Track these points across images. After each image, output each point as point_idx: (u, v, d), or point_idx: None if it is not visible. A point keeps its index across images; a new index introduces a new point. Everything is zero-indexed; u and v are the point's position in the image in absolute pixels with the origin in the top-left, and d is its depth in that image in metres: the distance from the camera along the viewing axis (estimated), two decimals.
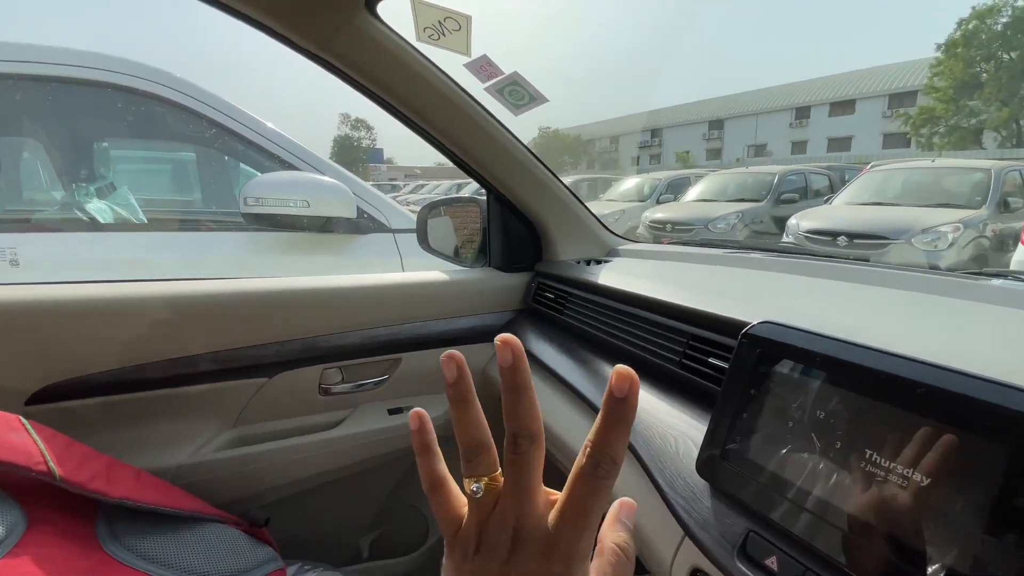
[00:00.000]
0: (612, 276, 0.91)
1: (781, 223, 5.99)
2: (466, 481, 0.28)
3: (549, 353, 0.92)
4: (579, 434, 0.80)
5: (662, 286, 0.80)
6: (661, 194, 8.74)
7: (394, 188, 19.15)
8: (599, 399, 0.74)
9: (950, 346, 0.49)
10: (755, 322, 0.52)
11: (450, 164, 1.04)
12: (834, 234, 4.93)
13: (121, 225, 1.62)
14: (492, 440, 0.29)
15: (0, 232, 1.43)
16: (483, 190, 1.11)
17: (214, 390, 0.84)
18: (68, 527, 0.58)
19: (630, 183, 9.67)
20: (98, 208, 1.77)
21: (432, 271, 1.07)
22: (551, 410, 0.87)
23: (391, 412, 0.99)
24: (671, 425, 0.61)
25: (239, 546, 0.68)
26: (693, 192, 7.75)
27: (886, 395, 0.39)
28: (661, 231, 6.70)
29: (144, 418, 0.81)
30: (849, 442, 0.40)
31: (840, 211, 5.46)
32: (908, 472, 0.36)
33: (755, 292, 0.77)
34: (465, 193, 13.45)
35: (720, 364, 0.61)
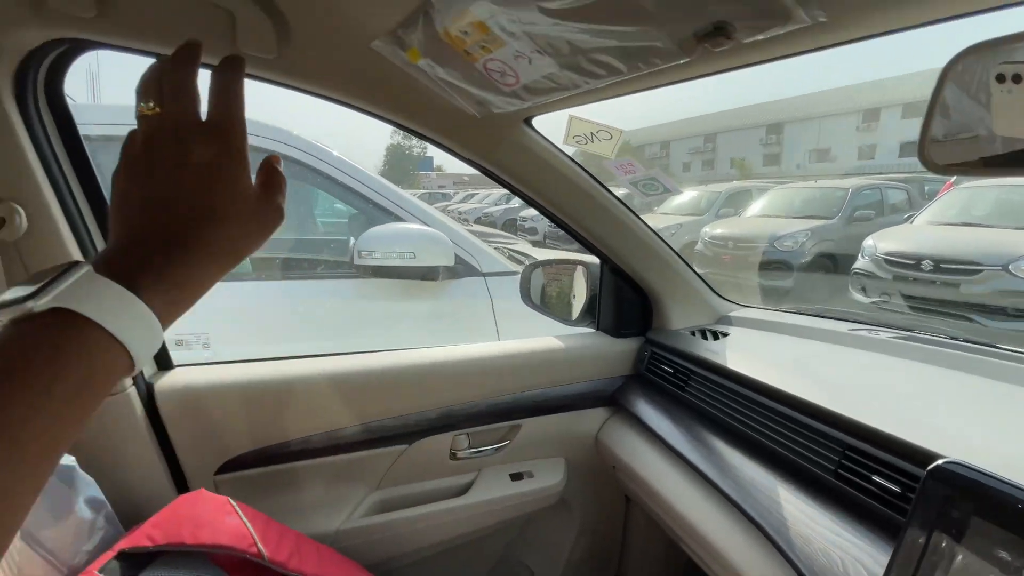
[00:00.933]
0: (741, 360, 0.92)
1: (855, 242, 5.69)
2: (140, 107, 0.31)
3: (667, 428, 0.95)
4: (693, 504, 0.82)
5: (802, 379, 0.81)
6: (720, 208, 8.49)
7: (444, 197, 19.55)
8: (725, 482, 0.76)
9: None
10: (939, 459, 0.52)
11: None
12: (917, 259, 4.60)
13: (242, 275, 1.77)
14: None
15: None
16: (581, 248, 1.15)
17: (363, 457, 0.92)
18: None
19: (686, 196, 9.46)
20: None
21: (547, 338, 1.11)
22: (664, 481, 0.89)
23: (513, 478, 1.04)
24: (834, 543, 0.62)
25: None
26: (756, 207, 7.49)
27: None
28: (722, 248, 6.52)
29: (307, 484, 0.90)
30: None
31: (923, 232, 5.09)
32: None
33: (909, 398, 0.76)
34: (515, 203, 13.59)
35: (887, 485, 0.61)
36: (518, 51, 0.49)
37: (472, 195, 18.25)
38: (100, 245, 0.73)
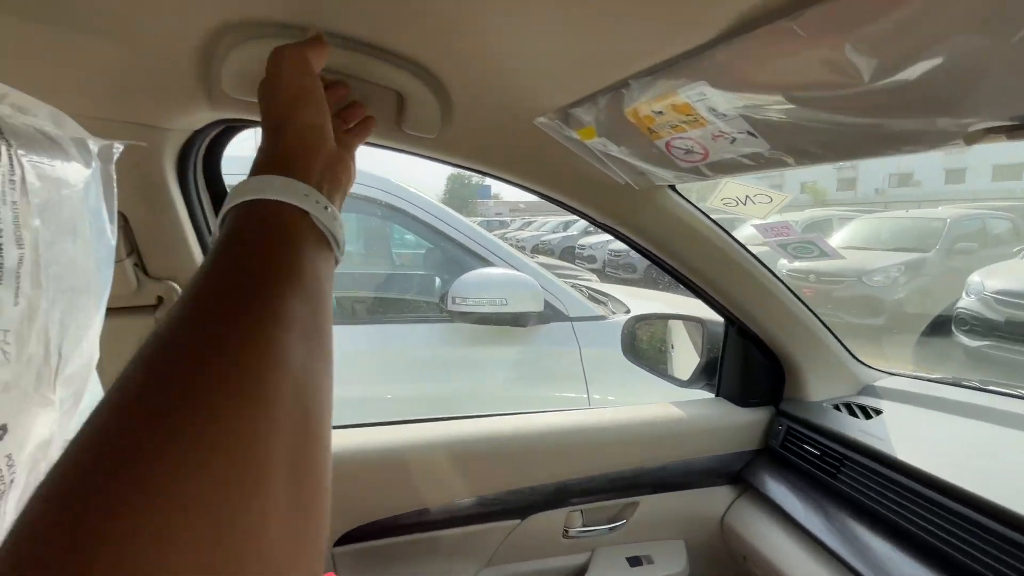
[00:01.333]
0: (905, 446, 0.80)
1: (957, 277, 5.16)
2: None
3: (814, 520, 0.83)
4: None
5: (987, 477, 0.68)
6: None
7: (502, 224, 19.81)
8: None
9: None
10: None
11: None
12: None
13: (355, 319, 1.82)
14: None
15: None
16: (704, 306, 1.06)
17: (476, 532, 0.87)
18: None
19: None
20: None
21: (663, 404, 1.02)
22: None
23: (631, 563, 0.95)
24: None
25: None
26: (838, 237, 7.00)
27: None
28: (802, 280, 6.11)
29: (420, 557, 0.85)
30: None
31: None
32: None
33: None
34: (573, 232, 13.50)
35: None
36: (721, 131, 0.44)
37: (529, 223, 18.37)
38: None
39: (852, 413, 0.94)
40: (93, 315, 0.39)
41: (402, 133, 0.55)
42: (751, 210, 0.72)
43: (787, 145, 0.42)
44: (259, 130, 0.39)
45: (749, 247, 0.90)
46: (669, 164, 0.52)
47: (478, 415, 0.92)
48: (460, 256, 1.79)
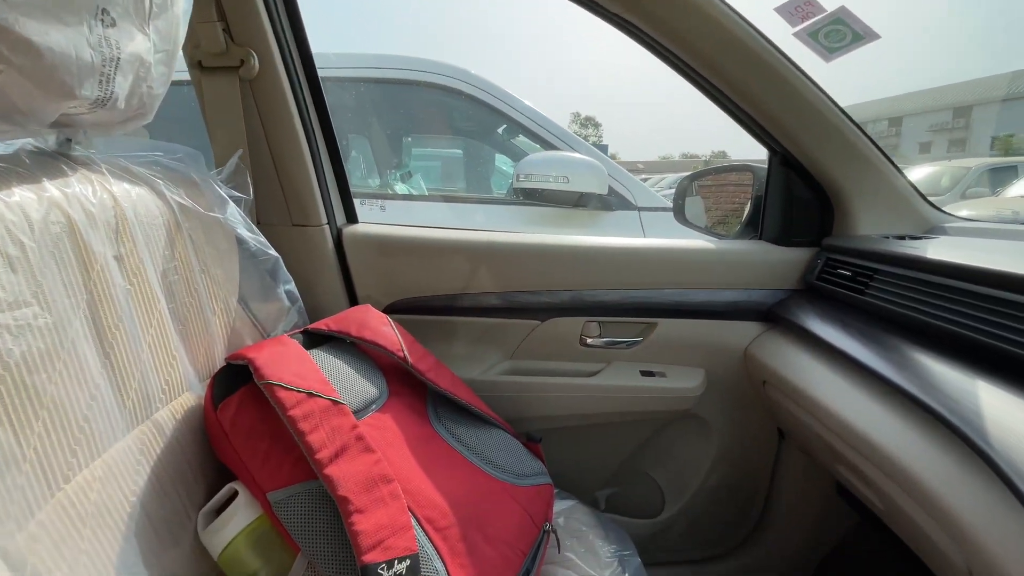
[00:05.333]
0: (949, 252, 0.74)
1: None
2: None
3: (837, 335, 0.80)
4: (867, 415, 0.67)
5: None
6: (970, 187, 6.60)
7: None
8: (914, 386, 0.61)
9: None
10: None
11: (674, 157, 1.00)
12: None
13: (423, 197, 2.02)
14: None
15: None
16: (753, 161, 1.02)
17: (501, 324, 0.99)
18: (411, 402, 0.76)
19: (921, 172, 7.57)
20: (403, 188, 2.25)
21: (697, 239, 1.03)
22: (829, 391, 0.76)
23: (643, 374, 1.00)
24: None
25: (521, 454, 0.78)
26: (1020, 186, 5.71)
27: None
28: None
29: (453, 337, 1.00)
30: None
31: None
32: None
33: None
34: None
35: None
36: None
37: (645, 179, 17.59)
38: (307, 90, 0.91)
39: (901, 239, 0.87)
40: None
41: None
42: None
43: None
44: None
45: None
46: None
47: (508, 231, 1.03)
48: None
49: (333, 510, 0.56)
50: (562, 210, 1.75)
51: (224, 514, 0.59)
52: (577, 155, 1.70)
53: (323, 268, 0.94)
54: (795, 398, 0.83)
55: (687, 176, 1.24)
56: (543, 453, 0.83)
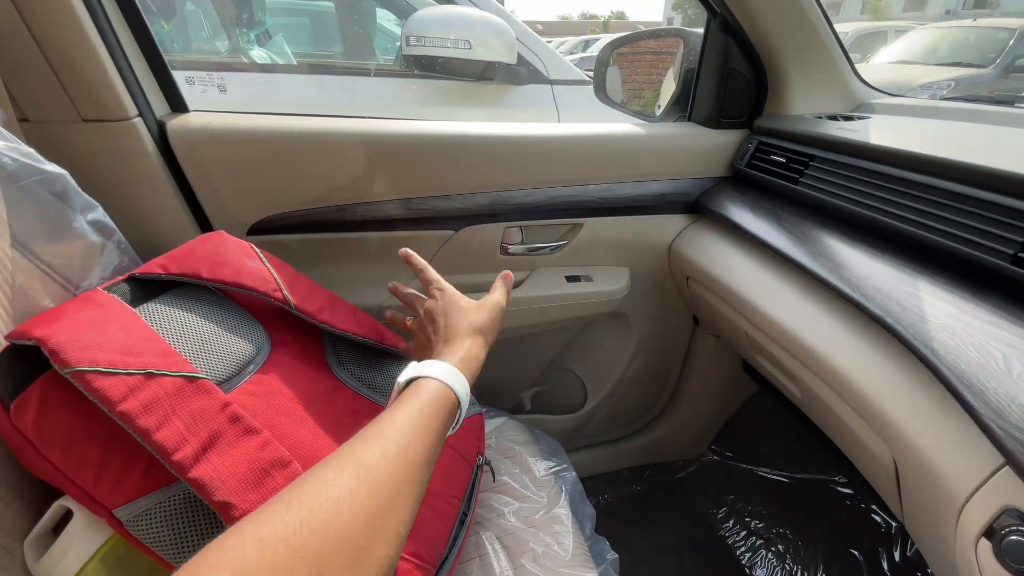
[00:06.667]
0: (885, 136, 0.69)
1: (1013, 98, 4.59)
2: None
3: (763, 227, 0.76)
4: (787, 306, 0.67)
5: (973, 151, 0.58)
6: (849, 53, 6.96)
7: None
8: (836, 277, 0.60)
9: None
10: None
11: (574, 19, 0.82)
12: None
13: (288, 68, 1.62)
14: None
15: (185, 70, 1.49)
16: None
17: (405, 238, 0.83)
18: (303, 352, 0.61)
19: None
20: (259, 55, 1.78)
21: (622, 123, 0.91)
22: (751, 284, 0.75)
23: (569, 279, 0.93)
24: (994, 336, 0.46)
25: None
26: (890, 52, 6.12)
27: None
28: None
29: (347, 259, 0.83)
30: None
31: None
32: None
33: None
34: (593, 52, 12.07)
35: None
36: None
37: (547, 42, 16.38)
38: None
39: (835, 120, 0.81)
40: None
41: None
42: None
43: None
44: None
45: None
46: None
47: (403, 119, 0.82)
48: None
49: (210, 513, 0.44)
50: (464, 83, 1.49)
51: (60, 541, 0.44)
52: (477, 11, 1.41)
53: (145, 181, 0.68)
54: (723, 295, 0.81)
55: (609, 43, 1.06)
56: None
